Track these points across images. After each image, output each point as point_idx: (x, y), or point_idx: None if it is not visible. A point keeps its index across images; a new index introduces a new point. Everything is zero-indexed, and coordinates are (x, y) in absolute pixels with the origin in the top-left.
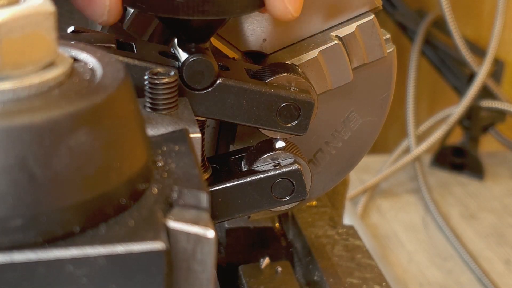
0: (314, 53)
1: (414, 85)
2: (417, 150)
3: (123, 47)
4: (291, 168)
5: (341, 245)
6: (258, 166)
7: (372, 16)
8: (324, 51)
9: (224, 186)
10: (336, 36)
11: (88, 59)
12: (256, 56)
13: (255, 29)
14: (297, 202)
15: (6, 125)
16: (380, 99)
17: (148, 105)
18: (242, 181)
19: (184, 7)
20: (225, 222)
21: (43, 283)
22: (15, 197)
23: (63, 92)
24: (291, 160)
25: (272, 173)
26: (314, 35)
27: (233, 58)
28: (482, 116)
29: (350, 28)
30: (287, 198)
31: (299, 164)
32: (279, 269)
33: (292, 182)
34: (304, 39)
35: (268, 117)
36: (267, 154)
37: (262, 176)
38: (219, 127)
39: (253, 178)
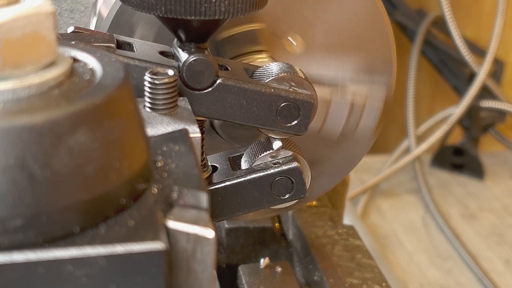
0: (326, 95)
1: (414, 85)
2: (417, 150)
3: (123, 47)
4: (290, 166)
5: (341, 245)
6: (258, 165)
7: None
8: (335, 101)
9: (224, 184)
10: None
11: (88, 59)
12: None
13: None
14: (297, 200)
15: (6, 125)
16: None
17: (148, 105)
18: (242, 179)
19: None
20: (225, 222)
21: (43, 283)
22: (15, 197)
23: (63, 92)
24: (291, 158)
25: (272, 171)
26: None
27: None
28: (482, 116)
29: (361, 93)
30: (287, 196)
31: (298, 162)
32: (279, 269)
33: (291, 180)
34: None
35: (268, 117)
36: (267, 152)
37: (261, 174)
38: None
39: (252, 176)
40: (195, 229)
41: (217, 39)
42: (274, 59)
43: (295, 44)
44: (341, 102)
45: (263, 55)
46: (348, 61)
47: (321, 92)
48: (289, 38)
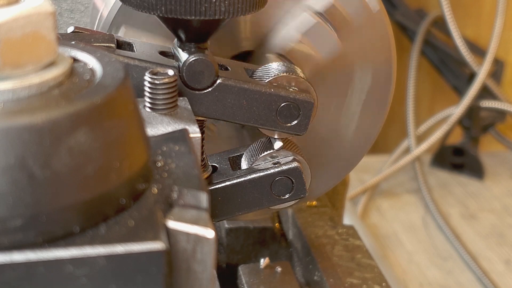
0: (296, 37)
1: (414, 85)
2: (417, 150)
3: (123, 47)
4: (290, 166)
5: (341, 245)
6: (258, 165)
7: None
8: (306, 33)
9: (224, 184)
10: (315, 12)
11: (88, 59)
12: (242, 57)
13: (233, 32)
14: (297, 200)
15: (6, 125)
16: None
17: (148, 105)
18: (242, 179)
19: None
20: (225, 222)
21: (43, 283)
22: (15, 197)
23: (63, 92)
24: (291, 158)
25: (272, 171)
26: (287, 12)
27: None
28: (482, 116)
29: None
30: (287, 196)
31: (298, 162)
32: (279, 269)
33: (291, 180)
34: (280, 23)
35: (268, 116)
36: (267, 152)
37: (261, 174)
38: None
39: (252, 176)
40: (195, 229)
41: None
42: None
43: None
44: (313, 30)
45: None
46: None
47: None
48: None
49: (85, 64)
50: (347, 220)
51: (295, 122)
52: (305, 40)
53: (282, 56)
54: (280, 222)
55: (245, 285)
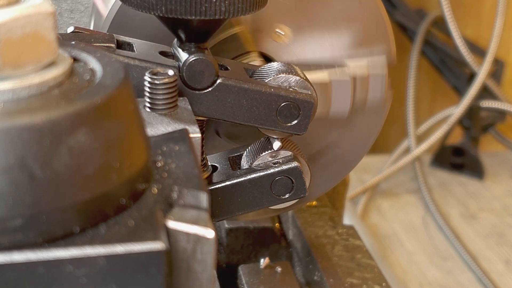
0: (325, 77)
1: (414, 85)
2: (417, 150)
3: (123, 47)
4: (290, 166)
5: (341, 245)
6: (258, 164)
7: (383, 57)
8: (336, 81)
9: (224, 184)
10: (350, 71)
11: (88, 59)
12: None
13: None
14: (297, 200)
15: (6, 125)
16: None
17: (148, 105)
18: (242, 179)
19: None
20: (225, 222)
21: (43, 283)
22: (15, 197)
23: (63, 92)
24: (290, 157)
25: (272, 170)
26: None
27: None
28: (482, 116)
29: (362, 66)
30: (287, 196)
31: (298, 161)
32: (279, 269)
33: (291, 180)
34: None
35: (268, 116)
36: (267, 152)
37: (261, 174)
38: None
39: (252, 176)
40: (195, 229)
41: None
42: (263, 56)
43: (283, 33)
44: (341, 81)
45: (251, 55)
46: (341, 38)
47: (319, 75)
48: (276, 30)
49: (85, 64)
50: (347, 220)
51: (295, 122)
52: (330, 86)
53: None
54: (280, 222)
55: (245, 285)
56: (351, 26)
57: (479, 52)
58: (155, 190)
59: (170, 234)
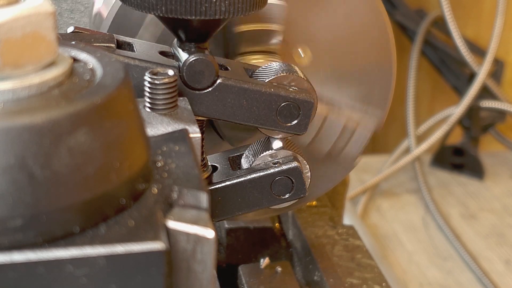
0: (322, 111)
1: (414, 85)
2: (417, 150)
3: (123, 47)
4: (290, 166)
5: (341, 245)
6: (258, 164)
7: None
8: (330, 119)
9: (224, 184)
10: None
11: (88, 59)
12: None
13: None
14: (297, 200)
15: (6, 125)
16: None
17: (148, 105)
18: (242, 179)
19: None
20: (225, 222)
21: (43, 283)
22: (15, 197)
23: (63, 92)
24: (290, 157)
25: (272, 170)
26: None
27: None
28: (482, 116)
29: (354, 119)
30: (286, 196)
31: (298, 161)
32: (279, 269)
33: (291, 180)
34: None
35: (268, 116)
36: (267, 152)
37: (261, 174)
38: None
39: (252, 176)
40: (195, 229)
41: (233, 31)
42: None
43: (303, 56)
44: (335, 122)
45: (274, 58)
46: (349, 88)
47: (319, 107)
48: (299, 49)
49: (85, 64)
50: (347, 220)
51: (295, 122)
52: (245, 26)
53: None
54: (280, 222)
55: (245, 285)
56: (361, 83)
57: (479, 52)
58: (155, 190)
59: (170, 234)
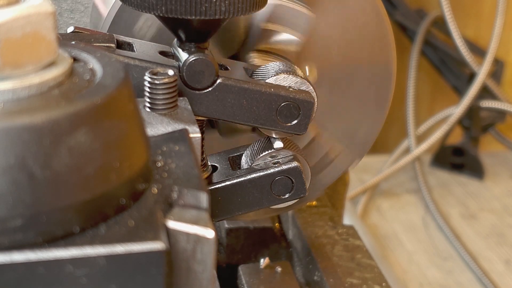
0: (315, 130)
1: (414, 85)
2: (417, 150)
3: (123, 47)
4: (290, 166)
5: (341, 245)
6: (258, 164)
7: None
8: (270, 17)
9: (224, 184)
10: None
11: (88, 59)
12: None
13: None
14: (297, 200)
15: (6, 125)
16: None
17: (148, 105)
18: (242, 179)
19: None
20: (225, 222)
21: (43, 283)
22: (15, 197)
23: (63, 92)
24: (291, 157)
25: (272, 170)
26: None
27: None
28: (482, 116)
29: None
30: (286, 196)
31: (298, 161)
32: (279, 269)
33: (291, 180)
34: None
35: (268, 116)
36: (267, 152)
37: (261, 173)
38: None
39: (252, 176)
40: (195, 229)
41: (258, 26)
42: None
43: (308, 74)
44: (320, 146)
45: (271, 57)
46: (349, 88)
47: (311, 127)
48: (306, 66)
49: (85, 64)
50: (347, 220)
51: (295, 121)
52: (271, 25)
53: (263, 51)
54: (280, 222)
55: (245, 285)
56: (353, 125)
57: (479, 52)
58: (155, 190)
59: (170, 234)
